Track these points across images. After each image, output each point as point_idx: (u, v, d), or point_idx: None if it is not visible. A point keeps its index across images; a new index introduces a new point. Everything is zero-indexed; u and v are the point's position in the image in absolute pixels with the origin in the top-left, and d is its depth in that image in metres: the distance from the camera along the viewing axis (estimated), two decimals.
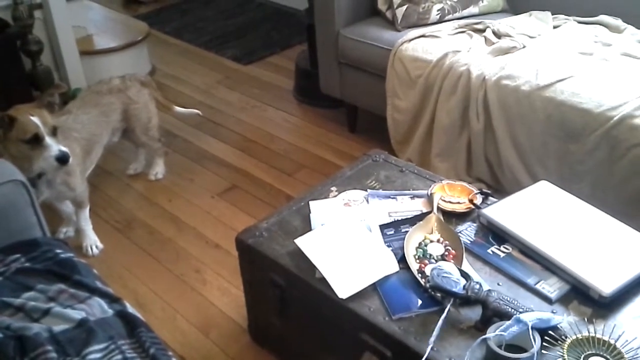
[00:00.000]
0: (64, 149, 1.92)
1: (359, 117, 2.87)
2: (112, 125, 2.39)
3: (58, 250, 1.45)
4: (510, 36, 2.33)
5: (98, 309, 1.28)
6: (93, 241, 2.26)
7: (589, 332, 1.23)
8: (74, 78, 3.26)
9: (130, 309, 1.33)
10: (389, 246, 1.54)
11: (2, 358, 1.15)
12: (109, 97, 2.38)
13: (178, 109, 2.74)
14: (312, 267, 1.49)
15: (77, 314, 1.25)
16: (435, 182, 1.77)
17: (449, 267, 1.36)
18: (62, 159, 1.91)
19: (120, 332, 1.23)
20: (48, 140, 1.90)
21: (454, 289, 1.33)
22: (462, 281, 1.33)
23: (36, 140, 1.88)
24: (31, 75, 3.02)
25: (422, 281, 1.42)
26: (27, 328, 1.21)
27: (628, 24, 2.34)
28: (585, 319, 1.30)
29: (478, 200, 1.67)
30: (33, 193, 1.54)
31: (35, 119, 1.88)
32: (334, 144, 2.83)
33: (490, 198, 1.69)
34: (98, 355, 1.16)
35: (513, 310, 1.28)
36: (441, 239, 1.54)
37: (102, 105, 2.34)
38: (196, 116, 2.85)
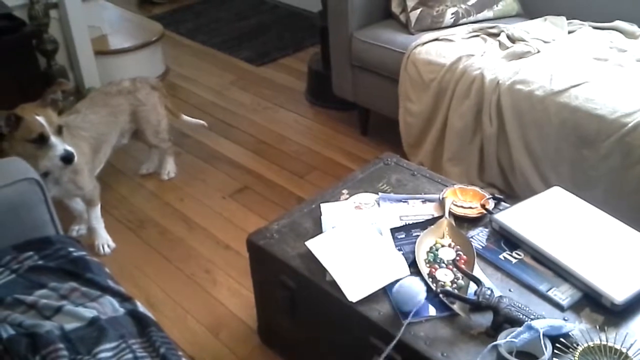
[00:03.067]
0: (69, 148, 1.93)
1: (371, 120, 2.87)
2: (121, 126, 2.39)
3: (71, 249, 1.46)
4: (524, 41, 2.32)
5: (109, 307, 1.29)
6: (105, 240, 2.27)
7: (600, 340, 1.22)
8: (89, 78, 3.28)
9: (141, 308, 1.34)
10: (399, 250, 1.54)
11: (14, 355, 1.16)
12: (118, 98, 2.39)
13: (185, 117, 2.75)
14: (323, 270, 1.49)
15: (88, 313, 1.26)
16: (447, 186, 1.76)
17: (414, 283, 1.35)
18: (67, 159, 1.92)
19: (131, 331, 1.24)
20: (53, 139, 1.91)
21: (466, 296, 1.33)
22: (422, 296, 1.34)
23: (41, 140, 1.89)
24: (46, 74, 3.04)
25: (433, 286, 1.42)
26: (39, 326, 1.22)
27: None
28: (597, 327, 1.29)
29: (490, 205, 1.66)
30: (47, 191, 1.55)
31: (40, 119, 1.89)
32: (346, 147, 2.83)
33: (503, 203, 1.68)
34: (109, 354, 1.17)
35: (524, 316, 1.27)
36: (452, 244, 1.54)
37: (110, 105, 2.35)
38: (202, 127, 2.85)
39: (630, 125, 1.86)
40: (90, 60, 3.27)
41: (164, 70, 3.62)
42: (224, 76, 3.60)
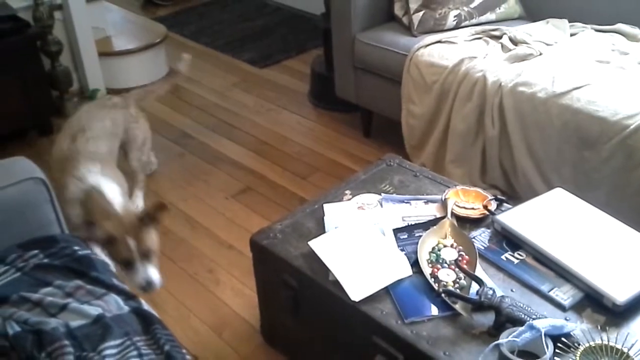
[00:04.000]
0: (152, 276, 1.75)
1: (373, 122, 2.88)
2: (119, 139, 2.31)
3: (76, 247, 1.47)
4: (527, 43, 2.33)
5: (114, 305, 1.30)
6: None
7: (602, 340, 1.22)
8: (93, 79, 3.30)
9: (146, 306, 1.35)
10: (402, 250, 1.55)
11: (20, 352, 1.17)
12: (116, 112, 2.31)
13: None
14: (326, 270, 1.50)
15: (93, 310, 1.27)
16: (449, 187, 1.77)
17: None
18: (147, 288, 1.76)
19: (135, 329, 1.25)
20: (138, 265, 1.75)
21: (468, 296, 1.34)
22: None
23: (127, 264, 1.75)
24: (50, 75, 3.06)
25: (435, 286, 1.43)
26: (45, 323, 1.23)
27: None
28: (599, 327, 1.30)
29: (492, 206, 1.67)
30: (52, 190, 1.56)
31: (131, 243, 1.72)
32: (348, 148, 2.84)
33: (505, 204, 1.69)
34: (114, 350, 1.18)
35: (526, 316, 1.28)
36: (455, 244, 1.55)
37: (110, 119, 2.27)
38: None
39: (632, 127, 1.87)
40: (94, 62, 3.29)
41: (167, 72, 3.63)
42: (227, 78, 3.61)
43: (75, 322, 1.24)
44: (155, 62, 3.56)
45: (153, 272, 1.75)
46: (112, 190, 1.92)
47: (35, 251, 1.44)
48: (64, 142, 2.10)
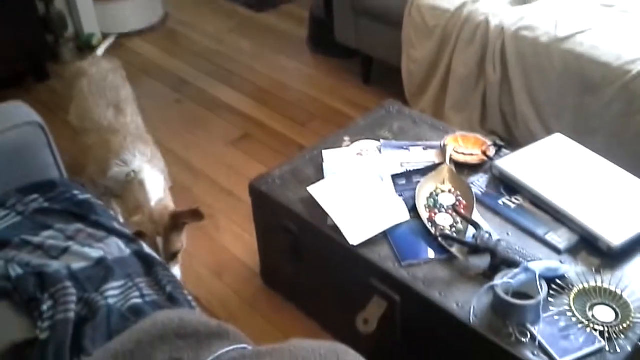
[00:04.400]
0: (177, 274, 1.67)
1: (373, 68, 2.84)
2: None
3: (75, 191, 1.48)
4: None
5: (115, 248, 1.32)
6: None
7: (596, 282, 1.25)
8: (87, 23, 3.24)
9: (147, 249, 1.36)
10: (400, 196, 1.56)
11: (23, 293, 1.19)
12: (122, 77, 2.20)
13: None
14: (324, 215, 1.51)
15: (95, 253, 1.28)
16: (448, 133, 1.76)
17: None
18: None
19: (137, 271, 1.27)
20: None
21: (464, 239, 1.36)
22: None
23: None
24: (45, 19, 3.00)
25: (432, 230, 1.44)
26: (47, 265, 1.25)
27: None
28: (593, 270, 1.32)
29: (491, 152, 1.66)
30: (49, 134, 1.55)
31: (159, 242, 1.64)
32: (348, 95, 2.82)
33: (504, 150, 1.68)
34: (116, 292, 1.20)
35: (521, 259, 1.30)
36: (453, 190, 1.55)
37: (127, 86, 2.17)
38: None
39: (634, 72, 1.85)
40: (89, 6, 3.22)
41: (162, 16, 3.56)
42: (224, 22, 3.54)
43: (77, 265, 1.25)
44: (150, 6, 3.48)
45: (176, 274, 1.63)
46: (154, 181, 1.78)
47: (35, 195, 1.45)
48: (106, 110, 1.94)
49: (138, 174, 1.76)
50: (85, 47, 3.21)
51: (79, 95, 2.06)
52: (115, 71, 2.18)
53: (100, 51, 2.41)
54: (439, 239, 1.41)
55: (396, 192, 1.58)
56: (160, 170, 1.87)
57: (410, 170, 1.64)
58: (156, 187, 1.77)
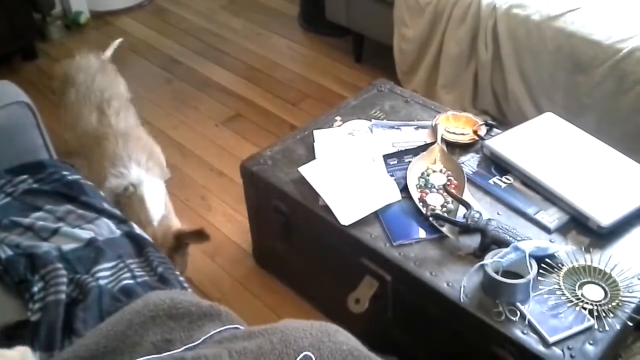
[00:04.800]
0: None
1: (365, 47, 2.82)
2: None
3: (65, 172, 1.47)
4: None
5: (106, 229, 1.31)
6: None
7: (585, 261, 1.26)
8: (75, 1, 3.19)
9: (138, 230, 1.36)
10: (391, 176, 1.56)
11: (14, 275, 1.19)
12: (111, 70, 2.14)
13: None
14: (316, 195, 1.51)
15: (85, 234, 1.28)
16: (440, 113, 1.76)
17: None
18: None
19: (128, 252, 1.26)
20: None
21: (455, 219, 1.36)
22: None
23: None
24: None
25: (423, 210, 1.44)
26: (37, 247, 1.25)
27: None
28: (583, 249, 1.33)
29: (482, 131, 1.67)
30: (38, 114, 1.53)
31: None
32: (339, 74, 2.80)
33: (495, 130, 1.68)
34: (107, 273, 1.20)
35: (511, 238, 1.31)
36: (444, 169, 1.56)
37: (120, 82, 2.13)
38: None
39: (624, 51, 1.84)
40: None
41: None
42: (215, 0, 3.50)
43: (68, 246, 1.25)
44: None
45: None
46: (155, 196, 1.67)
47: (24, 176, 1.44)
48: (90, 116, 1.85)
49: (137, 187, 1.65)
50: (72, 24, 3.16)
51: (68, 106, 1.96)
52: (103, 70, 2.06)
53: (107, 53, 2.29)
54: (430, 218, 1.41)
55: (387, 172, 1.57)
56: (159, 174, 1.78)
57: (401, 150, 1.64)
58: (157, 202, 1.66)
